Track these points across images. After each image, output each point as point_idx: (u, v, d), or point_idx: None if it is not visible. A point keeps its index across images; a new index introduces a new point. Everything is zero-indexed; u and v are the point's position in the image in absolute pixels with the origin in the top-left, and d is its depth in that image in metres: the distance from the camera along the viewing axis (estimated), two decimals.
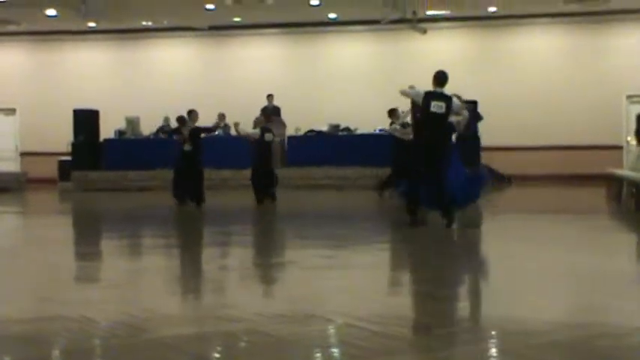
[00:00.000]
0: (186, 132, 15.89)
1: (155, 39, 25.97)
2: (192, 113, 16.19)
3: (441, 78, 10.64)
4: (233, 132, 18.42)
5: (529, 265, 7.29)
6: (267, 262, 8.17)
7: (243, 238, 10.72)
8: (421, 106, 10.60)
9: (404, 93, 11.09)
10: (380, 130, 22.06)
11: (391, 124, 16.54)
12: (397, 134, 15.96)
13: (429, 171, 10.44)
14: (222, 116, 21.98)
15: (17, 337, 4.71)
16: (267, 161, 16.25)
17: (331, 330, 4.84)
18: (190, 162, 15.89)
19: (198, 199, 15.72)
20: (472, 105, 20.45)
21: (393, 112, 16.29)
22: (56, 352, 4.37)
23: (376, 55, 24.66)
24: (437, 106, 10.42)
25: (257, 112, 22.06)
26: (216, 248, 9.60)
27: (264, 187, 16.09)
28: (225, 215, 14.59)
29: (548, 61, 23.96)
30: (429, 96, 10.50)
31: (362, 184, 20.00)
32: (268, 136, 16.16)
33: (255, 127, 17.35)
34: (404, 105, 15.40)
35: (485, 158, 21.98)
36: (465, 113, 12.13)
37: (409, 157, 11.71)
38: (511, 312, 5.25)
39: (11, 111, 26.65)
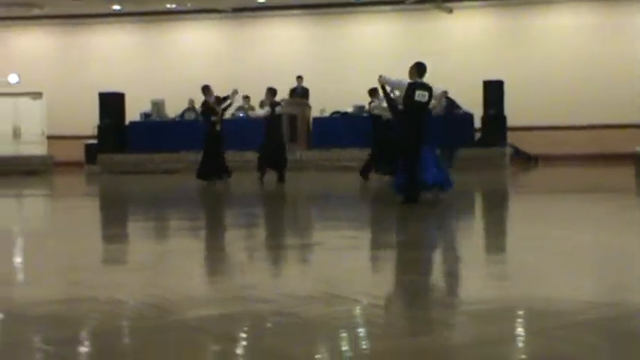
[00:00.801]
0: (219, 111, 16.21)
1: (180, 21, 26.00)
2: (207, 89, 16.35)
3: (422, 68, 11.17)
4: (258, 112, 18.70)
5: (556, 245, 7.24)
6: (292, 244, 8.18)
7: (268, 220, 10.74)
8: (405, 95, 11.11)
9: (385, 81, 11.55)
10: None
11: (370, 102, 16.69)
12: (377, 111, 16.03)
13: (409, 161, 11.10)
14: (246, 98, 22.00)
15: (47, 318, 4.75)
16: (278, 135, 16.57)
17: (357, 310, 4.84)
18: (219, 140, 16.19)
19: (226, 173, 16.19)
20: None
21: (374, 92, 16.35)
22: (85, 333, 4.41)
23: (401, 35, 24.54)
24: (421, 95, 11.00)
25: (283, 94, 22.06)
26: (240, 230, 9.62)
27: (276, 163, 16.36)
28: (249, 197, 14.63)
29: (575, 39, 23.73)
30: (413, 86, 11.02)
31: None
32: (278, 109, 16.50)
33: (261, 107, 17.48)
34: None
35: (511, 138, 21.89)
36: (443, 102, 13.30)
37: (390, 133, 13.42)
38: (540, 292, 5.22)
39: (38, 95, 26.85)
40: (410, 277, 5.88)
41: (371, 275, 6.07)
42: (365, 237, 8.52)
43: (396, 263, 6.82)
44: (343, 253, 7.17)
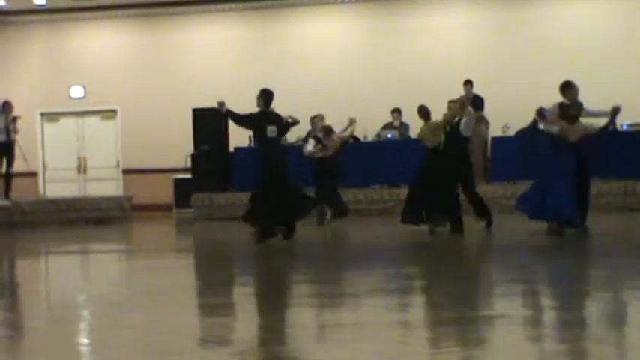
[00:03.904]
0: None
1: (300, 7, 25.98)
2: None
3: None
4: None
5: None
6: (469, 315, 8.17)
7: (426, 283, 10.70)
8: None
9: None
10: (627, 126, 21.41)
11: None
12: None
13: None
14: (395, 112, 22.13)
15: None
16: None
17: None
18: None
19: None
20: None
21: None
22: None
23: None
24: None
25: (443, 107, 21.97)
26: (395, 296, 9.64)
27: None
28: (405, 252, 14.68)
29: None
30: None
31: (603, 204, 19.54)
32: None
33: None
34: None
35: None
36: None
37: None
38: None
39: (110, 113, 27.21)
40: None
41: None
42: (570, 308, 8.42)
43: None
44: (540, 331, 7.11)
